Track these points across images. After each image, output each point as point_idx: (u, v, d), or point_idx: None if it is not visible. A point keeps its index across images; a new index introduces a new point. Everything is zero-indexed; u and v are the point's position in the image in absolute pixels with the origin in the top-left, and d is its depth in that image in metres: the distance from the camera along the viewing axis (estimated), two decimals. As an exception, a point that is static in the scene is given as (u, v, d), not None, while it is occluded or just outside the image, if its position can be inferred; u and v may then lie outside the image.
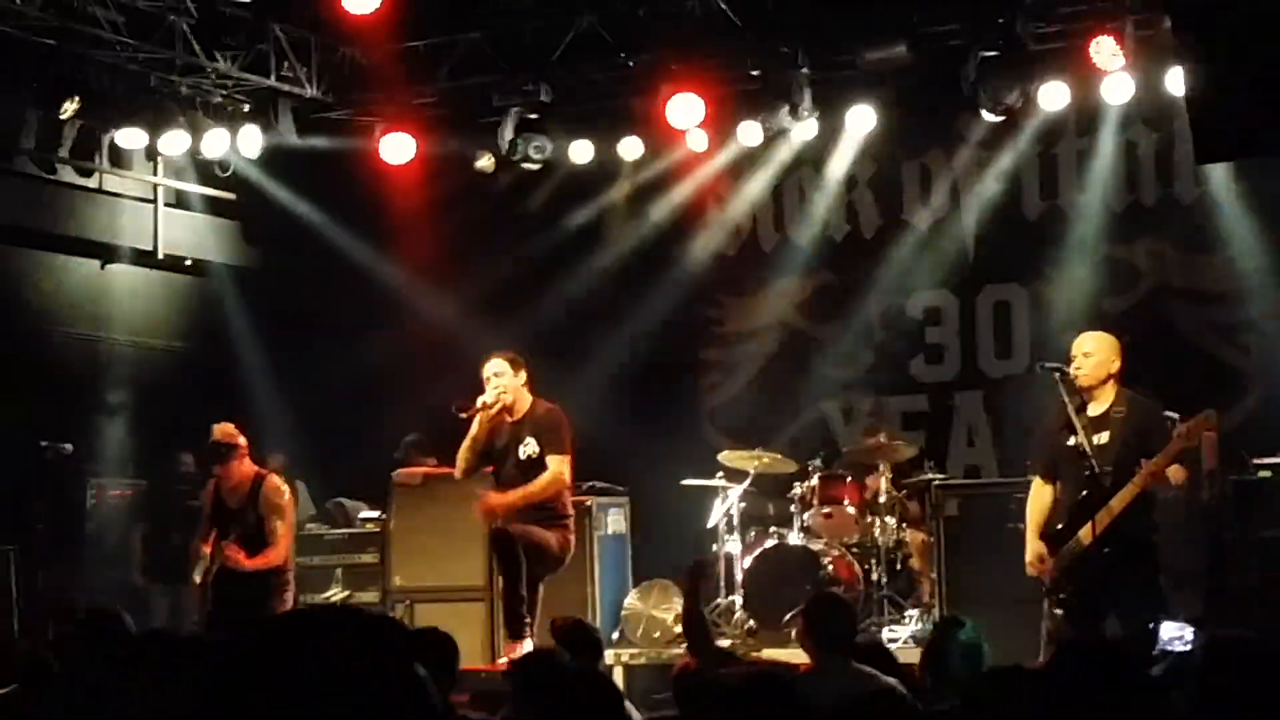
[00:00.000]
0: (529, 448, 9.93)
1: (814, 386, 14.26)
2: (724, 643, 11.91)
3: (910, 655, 10.85)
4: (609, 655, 10.26)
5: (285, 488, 10.46)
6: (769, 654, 10.70)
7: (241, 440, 10.34)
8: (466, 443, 10.03)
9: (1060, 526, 8.63)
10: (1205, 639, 5.30)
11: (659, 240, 14.57)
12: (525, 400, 10.05)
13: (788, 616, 11.82)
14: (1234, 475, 10.92)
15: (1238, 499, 10.83)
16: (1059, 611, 8.55)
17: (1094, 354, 8.68)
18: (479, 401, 9.91)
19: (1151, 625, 5.27)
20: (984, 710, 4.28)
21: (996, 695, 4.34)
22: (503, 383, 9.96)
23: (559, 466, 9.90)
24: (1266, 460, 10.91)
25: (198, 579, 10.21)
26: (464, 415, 9.95)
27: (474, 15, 12.59)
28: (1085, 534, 8.41)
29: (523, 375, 10.05)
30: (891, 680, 6.24)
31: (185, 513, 12.62)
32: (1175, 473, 8.40)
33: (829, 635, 6.69)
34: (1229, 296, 12.86)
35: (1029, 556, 8.73)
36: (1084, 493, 8.47)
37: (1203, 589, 10.33)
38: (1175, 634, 5.17)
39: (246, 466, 10.35)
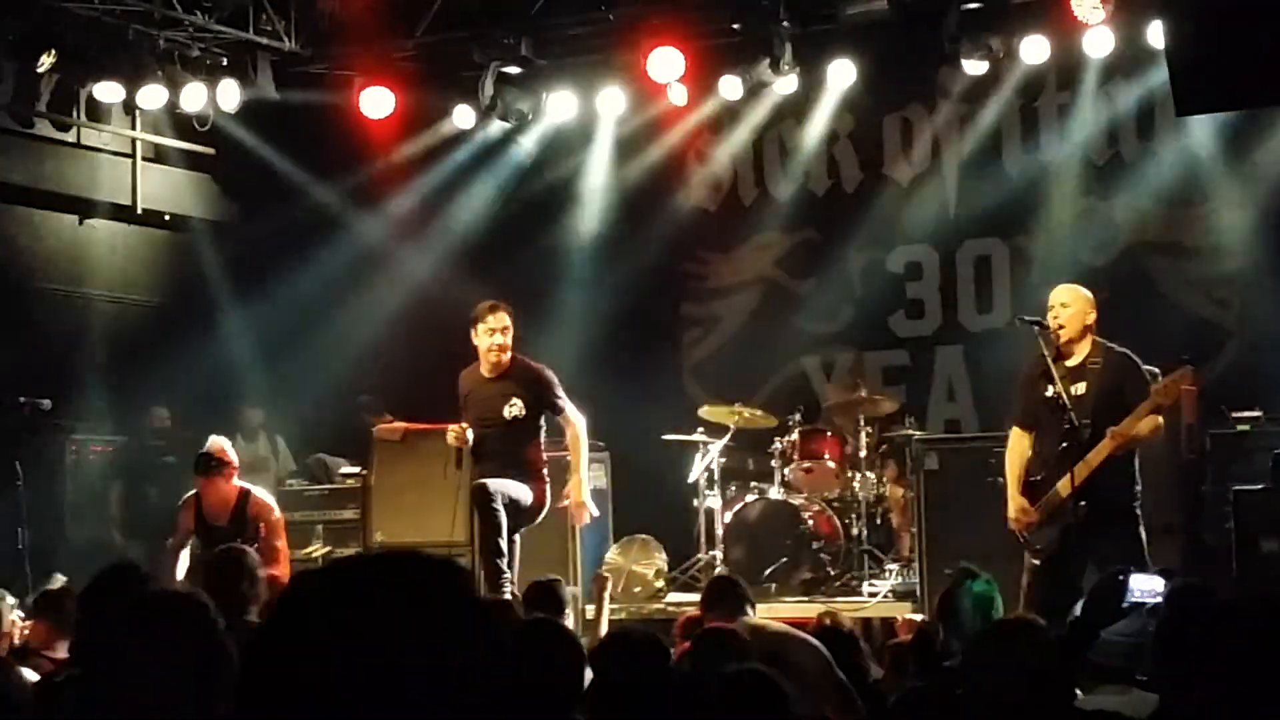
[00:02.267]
0: (514, 408, 9.90)
1: (794, 341, 14.27)
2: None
3: (889, 609, 10.96)
4: (588, 611, 10.28)
5: (274, 504, 10.08)
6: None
7: (233, 458, 9.99)
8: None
9: (1039, 478, 8.65)
10: (1168, 590, 5.32)
11: (639, 195, 14.53)
12: (503, 359, 10.02)
13: (768, 571, 11.87)
14: (1212, 429, 10.97)
15: (1216, 452, 10.88)
16: (1037, 564, 8.59)
17: (1070, 305, 8.70)
18: (465, 433, 9.95)
19: (1121, 577, 5.29)
20: (988, 665, 4.30)
21: (1000, 650, 4.37)
22: (508, 340, 9.93)
23: (575, 415, 10.02)
24: (1245, 414, 10.95)
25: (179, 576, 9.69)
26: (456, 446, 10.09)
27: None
28: (1063, 486, 8.45)
29: (513, 333, 10.03)
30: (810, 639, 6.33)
31: (161, 468, 12.62)
32: (1149, 424, 8.41)
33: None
34: (1208, 251, 12.89)
35: (1011, 511, 8.75)
36: (1062, 444, 8.50)
37: (1179, 542, 10.37)
38: (1146, 585, 5.19)
39: (232, 486, 9.93)
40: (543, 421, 10.10)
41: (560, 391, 9.99)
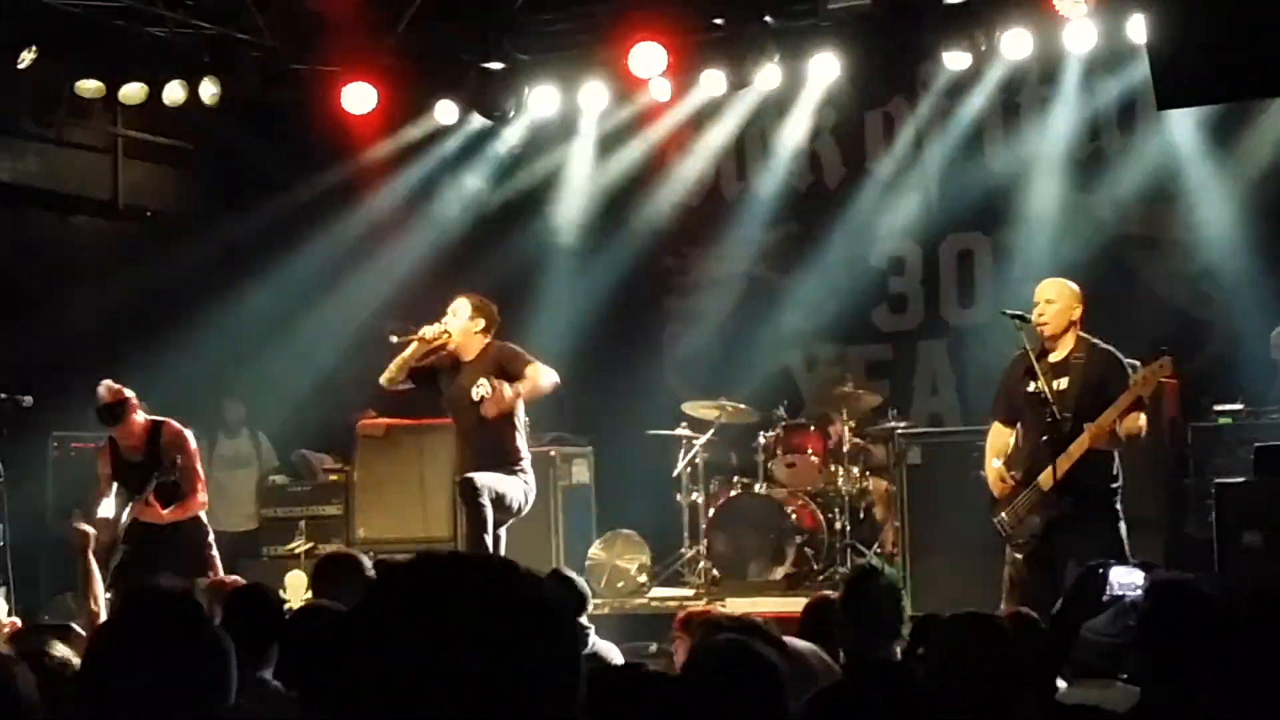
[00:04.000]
0: (482, 388, 9.90)
1: (777, 336, 14.28)
2: (687, 591, 11.99)
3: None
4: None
5: (187, 431, 10.06)
6: (732, 603, 10.76)
7: (129, 393, 9.95)
8: (397, 359, 10.02)
9: (1020, 472, 8.68)
10: (1147, 582, 5.33)
11: (622, 190, 14.53)
12: (477, 345, 10.00)
13: (751, 566, 11.89)
14: (1194, 422, 11.00)
15: (1197, 446, 10.91)
16: (1019, 557, 8.62)
17: (1056, 301, 8.72)
18: (420, 331, 9.90)
19: (1101, 570, 5.31)
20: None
21: (958, 644, 4.38)
22: (454, 324, 9.95)
23: (542, 369, 9.86)
24: (1226, 407, 10.99)
25: (101, 517, 9.65)
26: (394, 339, 9.96)
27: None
28: (1045, 479, 8.48)
29: (480, 322, 10.00)
30: (809, 645, 6.28)
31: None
32: (1132, 421, 8.42)
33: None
34: (1190, 244, 12.90)
35: (991, 478, 8.77)
36: (1044, 438, 8.53)
37: (1161, 536, 10.40)
38: (1126, 578, 5.20)
39: (140, 419, 9.95)
40: (522, 412, 10.07)
41: (521, 355, 9.91)
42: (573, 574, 7.98)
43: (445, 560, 1.91)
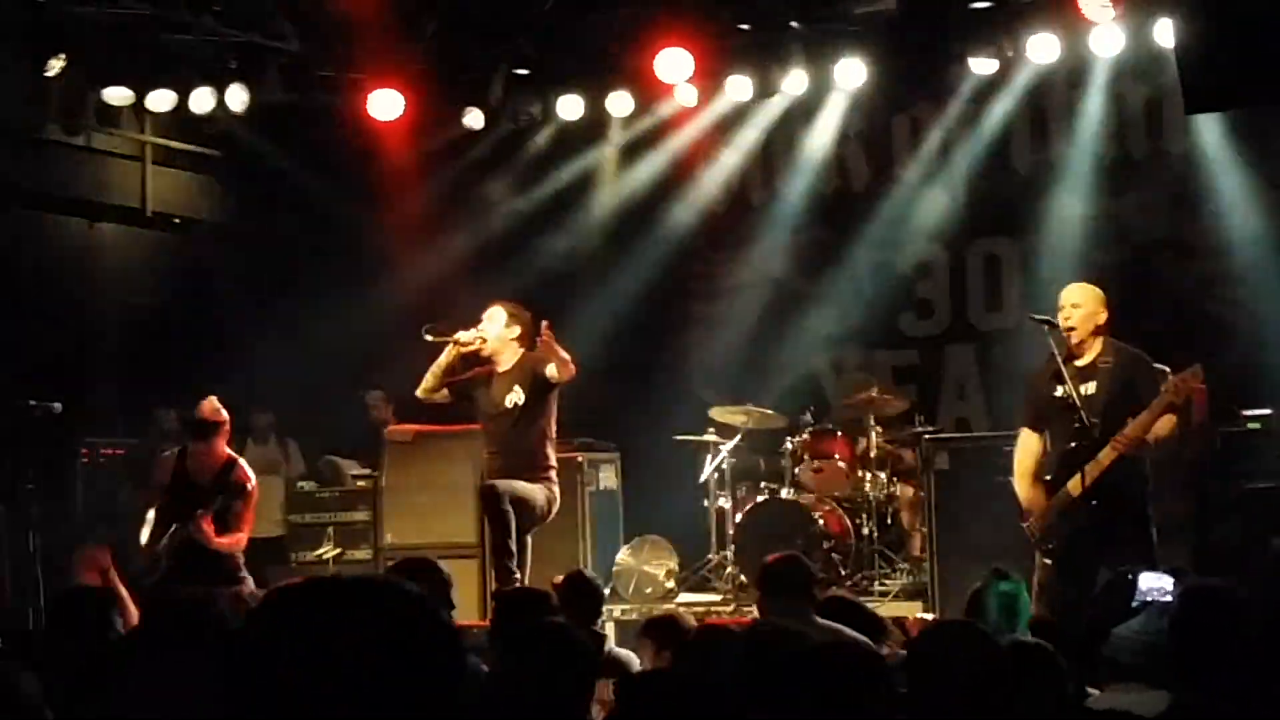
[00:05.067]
0: (515, 395, 9.95)
1: (804, 341, 14.26)
2: (715, 597, 11.99)
3: (900, 609, 10.95)
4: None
5: (253, 476, 10.15)
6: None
7: (224, 418, 10.08)
8: (434, 366, 10.08)
9: (1049, 477, 8.66)
10: (1181, 588, 5.32)
11: (649, 196, 14.54)
12: (513, 354, 10.07)
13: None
14: (1222, 427, 10.96)
15: (1225, 451, 10.87)
16: (1048, 562, 8.59)
17: (1082, 305, 8.70)
18: (456, 335, 9.94)
19: (1130, 576, 5.30)
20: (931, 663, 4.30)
21: (938, 654, 4.36)
22: (490, 330, 10.00)
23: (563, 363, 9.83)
24: (1254, 412, 10.95)
25: (144, 541, 9.85)
26: (430, 338, 9.99)
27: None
28: (1074, 485, 8.45)
29: (516, 330, 10.07)
30: (857, 637, 6.24)
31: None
32: (1163, 425, 8.40)
33: (785, 591, 6.70)
34: (1217, 249, 12.85)
35: (1025, 503, 8.75)
36: (1072, 443, 8.50)
37: (1190, 541, 10.37)
38: (1155, 584, 5.19)
39: (224, 448, 10.07)
40: (551, 415, 10.10)
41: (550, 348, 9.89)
42: (593, 576, 8.00)
43: (325, 585, 1.97)
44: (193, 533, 9.65)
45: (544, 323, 9.81)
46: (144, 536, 9.88)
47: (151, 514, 9.92)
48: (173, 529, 9.70)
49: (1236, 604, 4.68)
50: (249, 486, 10.00)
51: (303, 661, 1.85)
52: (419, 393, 10.25)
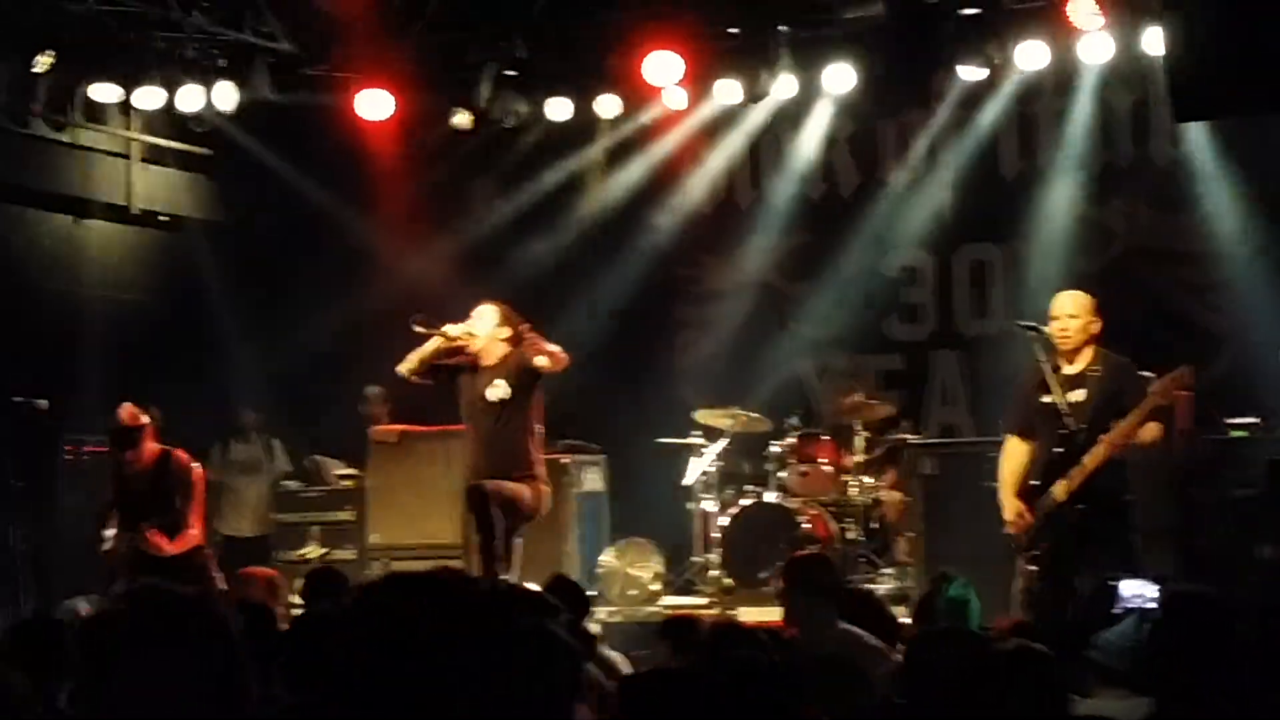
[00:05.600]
0: (499, 389, 9.94)
1: (790, 345, 14.27)
2: (700, 600, 11.98)
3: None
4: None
5: (194, 463, 10.18)
6: (744, 612, 10.75)
7: (146, 419, 10.11)
8: (417, 351, 10.09)
9: (1034, 483, 8.66)
10: (1164, 594, 5.33)
11: (636, 198, 14.54)
12: (498, 352, 10.06)
13: (763, 574, 11.87)
14: (1207, 435, 10.98)
15: (1210, 458, 10.89)
16: (1032, 568, 8.60)
17: (1078, 315, 8.71)
18: (444, 328, 9.95)
19: (1113, 582, 5.32)
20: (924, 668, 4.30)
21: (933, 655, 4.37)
22: (479, 328, 10.00)
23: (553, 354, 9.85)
24: (1239, 420, 10.96)
25: (106, 549, 9.93)
26: (417, 329, 9.99)
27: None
28: (1059, 491, 8.46)
29: (506, 330, 10.08)
30: (877, 643, 6.25)
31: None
32: (1149, 430, 8.42)
33: (809, 590, 6.71)
34: (1203, 257, 12.89)
35: (1007, 515, 8.75)
36: (1058, 449, 8.52)
37: (1175, 548, 10.38)
38: (1137, 591, 5.21)
39: (152, 446, 10.08)
40: (536, 412, 10.10)
41: (536, 342, 9.95)
42: (573, 580, 8.01)
43: (433, 579, 1.97)
44: (143, 547, 9.70)
45: (525, 327, 9.85)
46: (106, 545, 9.96)
47: (108, 532, 9.99)
48: (125, 542, 9.76)
49: (1219, 610, 4.69)
50: (190, 476, 10.03)
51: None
52: (400, 369, 10.22)
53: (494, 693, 1.86)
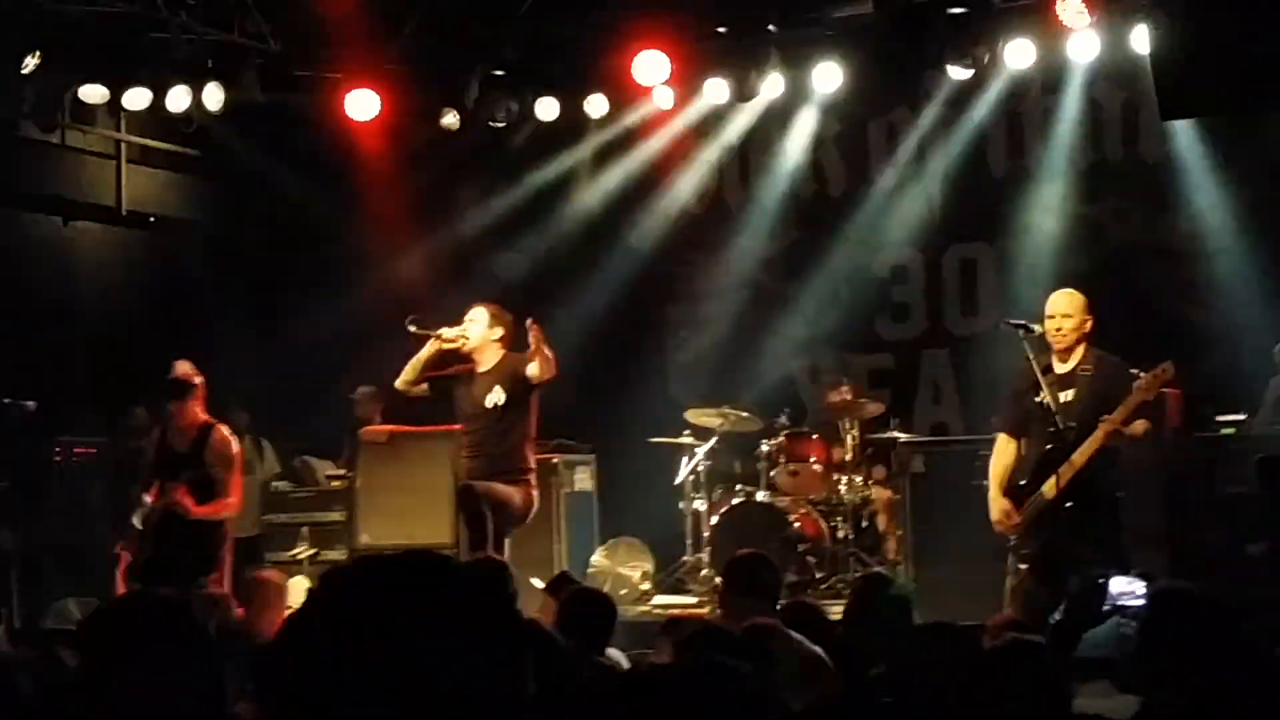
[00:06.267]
0: (496, 395, 9.98)
1: (780, 345, 14.28)
2: (690, 599, 11.98)
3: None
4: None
5: (234, 440, 10.24)
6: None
7: (198, 380, 10.14)
8: (414, 360, 10.17)
9: (1024, 482, 8.68)
10: (1149, 592, 5.33)
11: (625, 198, 14.54)
12: (494, 354, 10.10)
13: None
14: (1197, 433, 10.98)
15: (1201, 457, 10.89)
16: (1023, 566, 8.61)
17: (1073, 315, 8.73)
18: (440, 330, 9.99)
19: (1101, 580, 5.32)
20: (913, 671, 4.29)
21: (925, 655, 4.37)
22: (473, 330, 10.04)
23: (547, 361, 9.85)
24: (1229, 418, 10.97)
25: (138, 524, 9.89)
26: (413, 329, 10.03)
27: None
28: (1049, 488, 8.48)
29: (498, 331, 10.12)
30: (816, 649, 6.22)
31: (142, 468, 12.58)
32: (1138, 425, 8.44)
33: (750, 591, 6.67)
34: (1193, 255, 12.90)
35: (994, 514, 8.77)
36: (1048, 447, 8.53)
37: (1166, 547, 10.38)
38: (1126, 588, 5.21)
39: (199, 411, 10.12)
40: (532, 417, 10.12)
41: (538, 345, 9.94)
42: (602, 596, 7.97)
43: (381, 561, 1.94)
44: (170, 505, 9.68)
45: (530, 320, 9.83)
46: (136, 520, 9.91)
47: (147, 498, 9.97)
48: (149, 500, 9.77)
49: (1204, 607, 4.69)
50: (230, 451, 10.06)
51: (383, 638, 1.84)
52: (398, 384, 10.35)
53: (463, 676, 1.85)
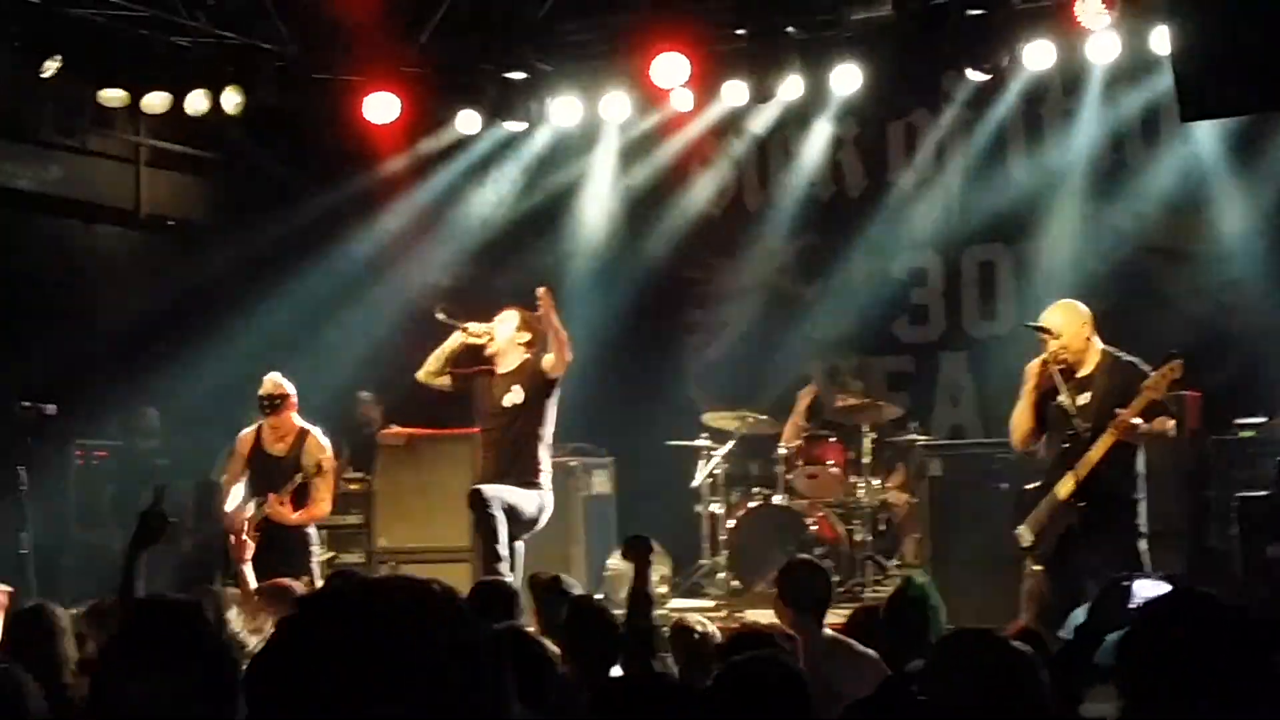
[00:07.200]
0: (514, 395, 9.98)
1: (798, 347, 14.24)
2: (707, 603, 11.97)
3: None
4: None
5: (328, 446, 10.39)
6: (751, 615, 10.73)
7: (290, 390, 10.33)
8: (437, 351, 10.23)
9: (1040, 484, 8.66)
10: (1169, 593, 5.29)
11: (644, 200, 14.53)
12: (517, 358, 10.10)
13: (771, 577, 11.85)
14: (1216, 435, 10.95)
15: (1220, 458, 10.86)
16: (1037, 568, 8.60)
17: (1062, 332, 8.69)
18: (467, 324, 10.03)
19: (1125, 582, 5.30)
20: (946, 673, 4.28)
21: (959, 658, 4.34)
22: (500, 331, 10.06)
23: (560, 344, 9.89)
24: (1248, 420, 10.94)
25: (228, 509, 10.08)
26: (441, 317, 10.12)
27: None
28: (1063, 488, 8.46)
29: (525, 336, 10.14)
30: (870, 651, 6.23)
31: (154, 471, 12.60)
32: (1160, 422, 8.43)
33: (802, 599, 6.72)
34: (1213, 256, 12.84)
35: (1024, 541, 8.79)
36: (1064, 446, 8.52)
37: (1185, 549, 10.36)
38: (1150, 591, 5.18)
39: (294, 419, 10.33)
40: (549, 420, 10.11)
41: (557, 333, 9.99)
42: (571, 581, 7.99)
43: (357, 587, 1.95)
44: (268, 513, 9.89)
45: (542, 289, 9.85)
46: (228, 504, 10.12)
47: (239, 486, 10.17)
48: (256, 506, 9.94)
49: (1221, 609, 4.65)
50: (323, 461, 10.19)
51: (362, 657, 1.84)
52: (420, 375, 10.40)
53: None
